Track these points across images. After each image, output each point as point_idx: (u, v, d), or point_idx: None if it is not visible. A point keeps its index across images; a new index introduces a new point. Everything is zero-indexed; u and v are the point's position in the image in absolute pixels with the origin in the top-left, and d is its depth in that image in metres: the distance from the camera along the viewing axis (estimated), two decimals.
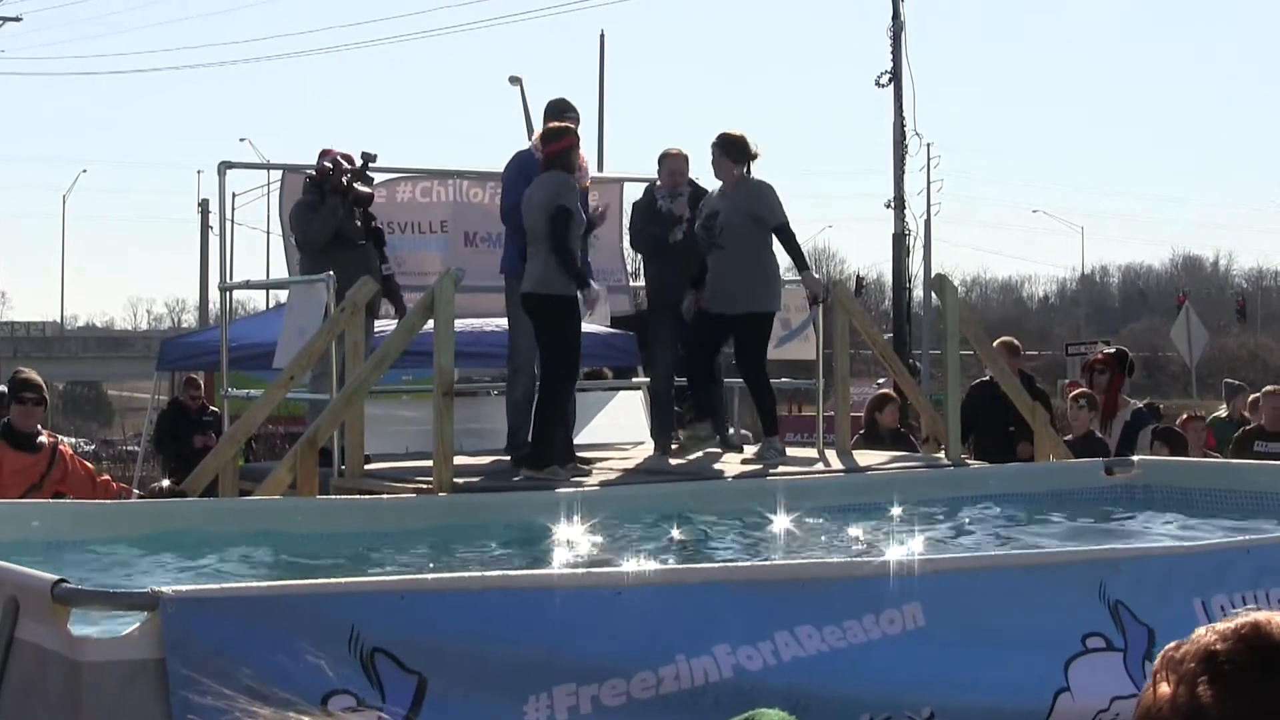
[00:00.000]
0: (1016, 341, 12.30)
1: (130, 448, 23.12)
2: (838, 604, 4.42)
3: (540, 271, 8.76)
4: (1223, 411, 14.65)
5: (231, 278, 12.50)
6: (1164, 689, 1.75)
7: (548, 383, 8.83)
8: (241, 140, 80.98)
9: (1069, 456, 9.90)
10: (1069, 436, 11.25)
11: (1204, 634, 1.77)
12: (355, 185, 10.14)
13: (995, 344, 12.01)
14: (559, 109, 9.82)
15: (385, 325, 10.28)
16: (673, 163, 10.23)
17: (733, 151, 9.45)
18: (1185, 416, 13.73)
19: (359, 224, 10.15)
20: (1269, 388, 12.43)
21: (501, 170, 10.21)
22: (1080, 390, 11.82)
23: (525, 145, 10.09)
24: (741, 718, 2.01)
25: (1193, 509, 8.30)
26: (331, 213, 9.92)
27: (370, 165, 10.37)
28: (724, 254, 9.25)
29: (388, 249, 10.65)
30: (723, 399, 10.54)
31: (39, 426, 8.62)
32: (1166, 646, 1.80)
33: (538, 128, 10.36)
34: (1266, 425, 11.74)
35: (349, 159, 10.26)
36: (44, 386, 8.80)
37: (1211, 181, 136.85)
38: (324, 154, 10.32)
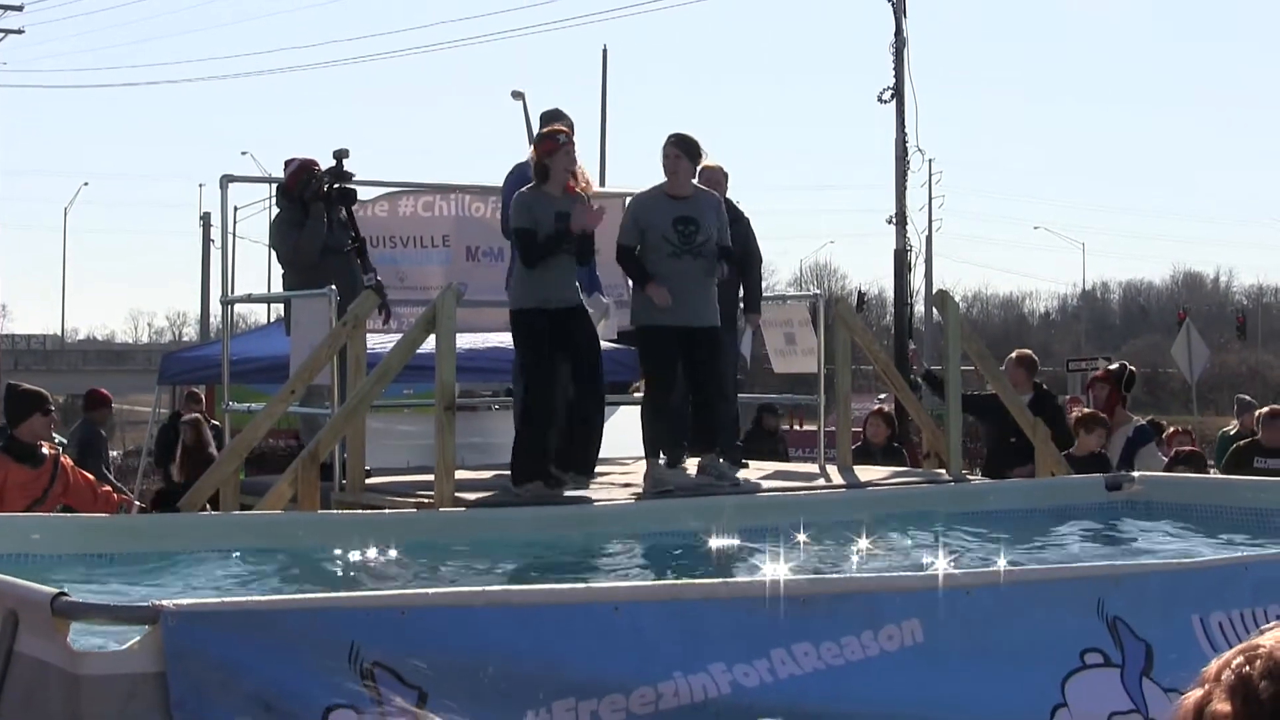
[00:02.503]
0: (1034, 356, 12.31)
1: (129, 456, 23.16)
2: (836, 620, 4.42)
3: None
4: (1232, 428, 14.67)
5: (233, 291, 12.54)
6: (1223, 707, 1.72)
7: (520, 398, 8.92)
8: (243, 154, 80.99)
9: (1070, 472, 9.91)
10: (1066, 452, 11.28)
11: (1275, 645, 1.72)
12: (335, 186, 10.04)
13: (1013, 356, 12.06)
14: (549, 118, 9.84)
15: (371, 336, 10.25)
16: (711, 174, 9.97)
17: (693, 153, 9.10)
18: (1172, 430, 13.75)
19: (344, 226, 10.07)
20: (1271, 407, 12.47)
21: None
22: (1089, 413, 11.81)
23: (523, 158, 10.09)
24: None
25: (1193, 525, 8.31)
26: (318, 222, 9.87)
27: (345, 161, 10.23)
28: (701, 264, 8.94)
29: (391, 263, 10.68)
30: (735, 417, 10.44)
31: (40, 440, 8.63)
32: (1223, 661, 1.75)
33: None
34: (1265, 442, 11.77)
35: (315, 164, 10.15)
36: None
37: (1212, 198, 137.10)
38: (288, 164, 10.23)
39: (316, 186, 9.92)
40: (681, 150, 8.99)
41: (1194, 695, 1.75)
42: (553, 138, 8.82)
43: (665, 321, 8.87)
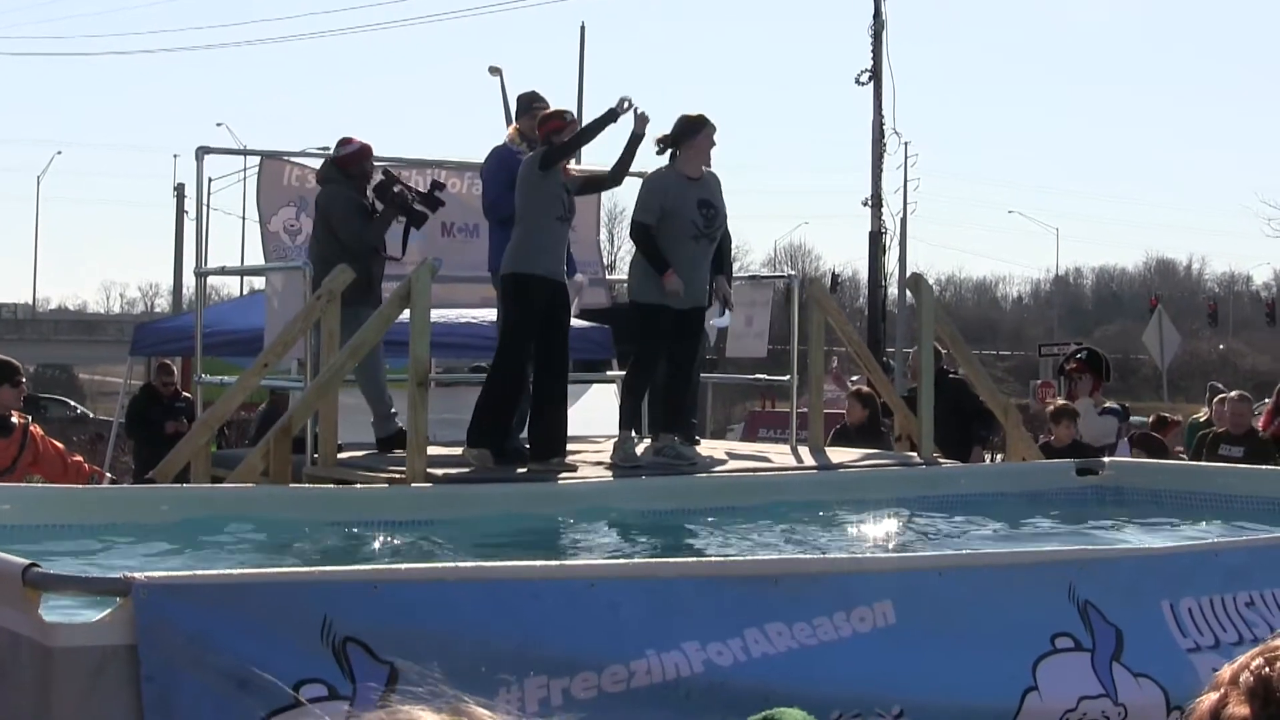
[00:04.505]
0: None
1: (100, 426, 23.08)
2: (808, 601, 4.43)
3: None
4: (1203, 415, 14.75)
5: (207, 263, 12.48)
6: (1241, 710, 1.67)
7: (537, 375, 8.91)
8: (218, 125, 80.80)
9: (1041, 457, 9.95)
10: (1044, 440, 11.37)
11: None
12: (417, 207, 10.04)
13: (912, 357, 12.22)
14: (529, 99, 9.91)
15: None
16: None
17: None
18: (1170, 420, 13.80)
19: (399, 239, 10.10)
20: (1234, 393, 12.58)
21: (480, 162, 10.25)
22: (1059, 405, 11.92)
23: (502, 138, 10.10)
24: (759, 716, 1.99)
25: (1163, 511, 8.36)
26: (385, 224, 9.80)
27: (438, 192, 10.27)
28: (710, 247, 9.11)
29: None
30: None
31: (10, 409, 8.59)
32: (1240, 663, 1.71)
33: (515, 120, 10.34)
34: (1230, 429, 11.87)
35: (370, 150, 10.08)
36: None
37: (1185, 185, 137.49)
38: (346, 142, 10.05)
39: (402, 198, 9.83)
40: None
41: (1209, 699, 1.71)
42: (560, 116, 8.93)
43: (669, 302, 8.96)
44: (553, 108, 9.28)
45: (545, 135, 8.85)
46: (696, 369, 10.00)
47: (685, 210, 8.94)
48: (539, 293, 8.69)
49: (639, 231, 9.04)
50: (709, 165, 9.17)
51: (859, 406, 12.18)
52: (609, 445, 9.52)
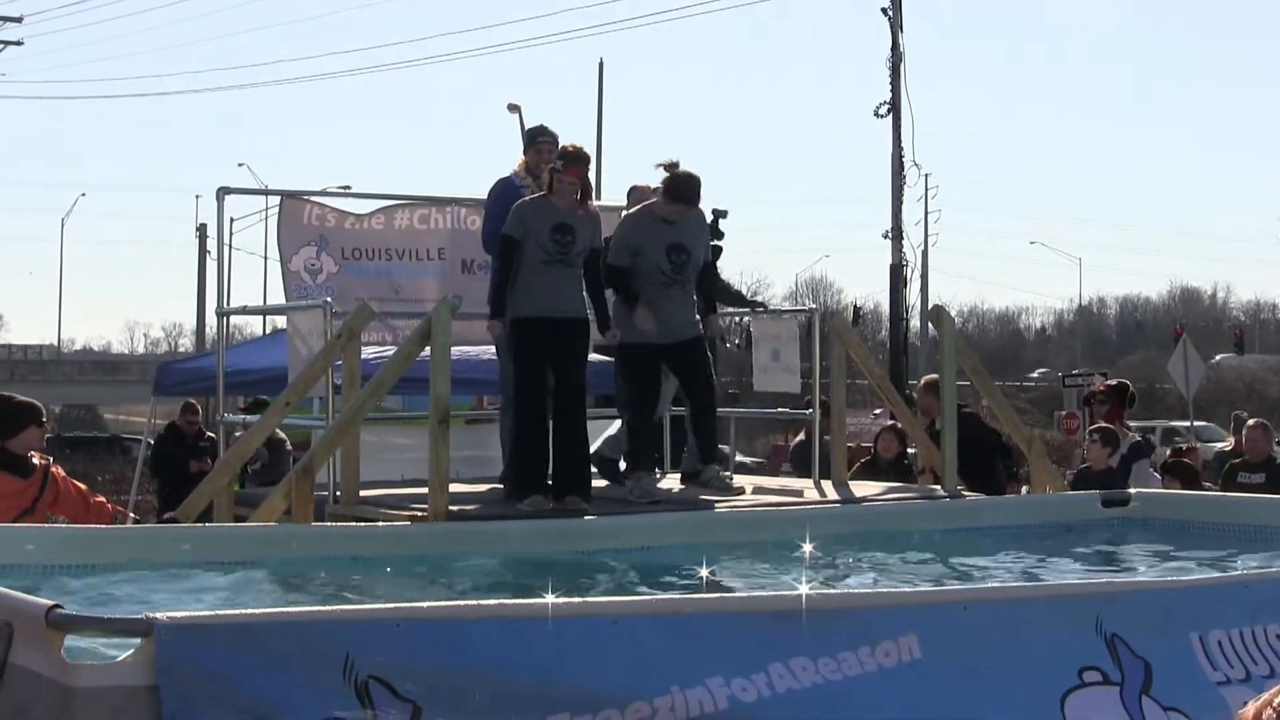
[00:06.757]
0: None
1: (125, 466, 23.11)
2: (833, 635, 4.39)
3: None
4: (1228, 445, 14.67)
5: (229, 303, 12.52)
6: None
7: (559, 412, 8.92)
8: (240, 165, 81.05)
9: (1065, 488, 9.90)
10: (1083, 466, 11.34)
11: None
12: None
13: (921, 382, 12.22)
14: (537, 134, 9.95)
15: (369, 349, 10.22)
16: (640, 195, 10.35)
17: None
18: (1187, 446, 13.75)
19: None
20: (1251, 420, 12.50)
21: None
22: (1098, 425, 11.88)
23: (506, 172, 10.04)
24: None
25: (1190, 542, 8.29)
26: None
27: (721, 221, 10.34)
28: (689, 289, 9.17)
29: (386, 275, 10.71)
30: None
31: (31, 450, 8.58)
32: (1263, 701, 1.70)
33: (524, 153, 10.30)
34: (1249, 456, 11.79)
35: None
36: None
37: (1209, 214, 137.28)
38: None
39: None
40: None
41: None
42: (582, 162, 8.91)
43: (650, 339, 8.99)
44: (571, 145, 9.23)
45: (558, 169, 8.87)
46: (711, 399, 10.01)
47: (653, 256, 9.01)
48: (530, 334, 8.71)
49: (608, 273, 9.07)
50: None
51: (895, 441, 12.17)
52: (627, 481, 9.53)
